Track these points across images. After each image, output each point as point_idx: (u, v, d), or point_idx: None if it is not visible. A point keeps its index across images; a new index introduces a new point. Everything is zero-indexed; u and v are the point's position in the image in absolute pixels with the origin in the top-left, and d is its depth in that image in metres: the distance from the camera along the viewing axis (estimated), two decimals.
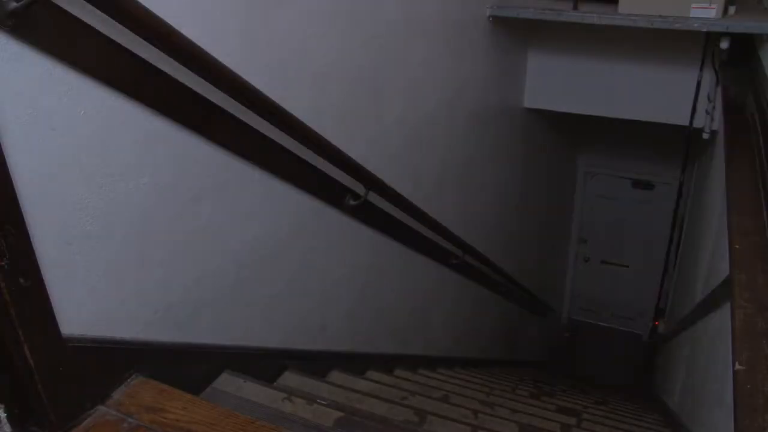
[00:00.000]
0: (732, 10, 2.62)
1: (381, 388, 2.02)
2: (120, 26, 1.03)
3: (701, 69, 3.20)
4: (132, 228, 1.20)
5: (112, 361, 1.19)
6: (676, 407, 3.07)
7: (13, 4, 0.85)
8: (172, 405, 1.14)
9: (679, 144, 3.81)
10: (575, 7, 2.91)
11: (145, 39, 1.08)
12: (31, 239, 0.96)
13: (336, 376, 1.98)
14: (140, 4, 1.03)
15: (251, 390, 1.49)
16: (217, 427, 1.10)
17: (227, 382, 1.49)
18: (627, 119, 3.81)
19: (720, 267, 2.03)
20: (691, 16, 2.60)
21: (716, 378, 1.93)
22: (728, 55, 2.86)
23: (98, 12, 0.99)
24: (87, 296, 1.12)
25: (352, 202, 1.91)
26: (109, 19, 1.01)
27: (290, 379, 1.74)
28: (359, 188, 1.92)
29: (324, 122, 1.66)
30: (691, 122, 3.31)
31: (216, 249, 1.45)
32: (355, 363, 2.20)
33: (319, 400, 1.53)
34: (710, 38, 3.03)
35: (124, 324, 1.23)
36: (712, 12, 2.57)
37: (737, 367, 1.19)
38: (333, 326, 2.09)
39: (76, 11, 0.97)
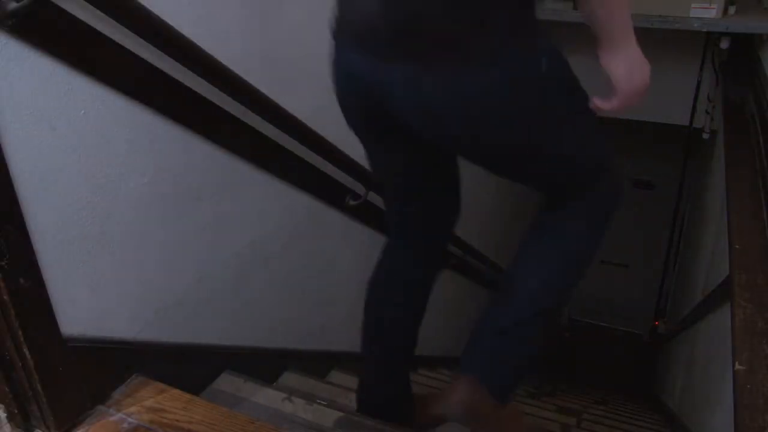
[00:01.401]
0: (732, 10, 2.62)
1: None
2: (121, 27, 1.03)
3: (701, 69, 3.19)
4: (132, 228, 1.20)
5: (112, 361, 1.19)
6: (676, 407, 3.07)
7: (13, 4, 0.85)
8: (172, 405, 1.14)
9: (679, 144, 3.82)
10: (575, 7, 2.90)
11: (145, 39, 1.08)
12: (31, 239, 0.96)
13: (336, 376, 1.98)
14: (140, 4, 1.03)
15: (251, 390, 1.49)
16: (217, 427, 1.10)
17: (227, 382, 1.49)
18: (627, 119, 3.81)
19: (720, 267, 2.03)
20: (691, 16, 2.60)
21: (716, 378, 1.93)
22: (728, 55, 2.86)
23: (99, 12, 0.99)
24: (87, 296, 1.12)
25: (352, 202, 1.91)
26: (110, 19, 1.01)
27: (290, 379, 1.74)
28: (359, 188, 1.92)
29: (324, 122, 1.66)
30: (691, 122, 3.31)
31: (216, 249, 1.45)
32: (355, 363, 2.20)
33: (319, 400, 1.53)
34: (710, 38, 3.03)
35: (124, 324, 1.23)
36: (712, 12, 2.56)
37: (737, 367, 1.19)
38: (333, 326, 2.09)
39: (76, 11, 0.97)
